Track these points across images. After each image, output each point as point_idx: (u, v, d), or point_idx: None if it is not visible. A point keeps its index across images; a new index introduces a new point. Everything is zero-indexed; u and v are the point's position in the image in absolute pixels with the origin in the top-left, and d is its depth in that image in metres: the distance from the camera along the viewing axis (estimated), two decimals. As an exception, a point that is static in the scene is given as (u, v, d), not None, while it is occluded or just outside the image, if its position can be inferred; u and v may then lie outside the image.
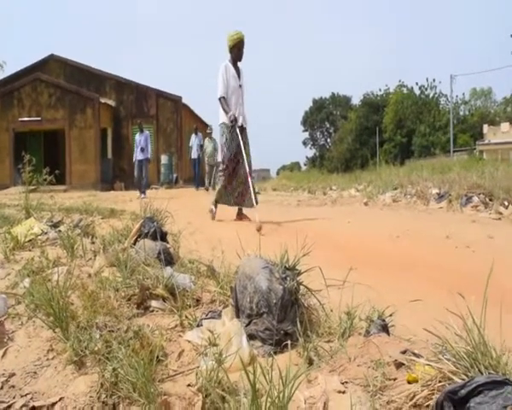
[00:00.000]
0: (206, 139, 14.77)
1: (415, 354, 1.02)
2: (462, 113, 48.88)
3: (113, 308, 1.62)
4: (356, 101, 54.65)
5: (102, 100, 20.19)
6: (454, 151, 34.77)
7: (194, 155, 15.16)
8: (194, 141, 15.12)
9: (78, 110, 19.42)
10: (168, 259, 2.32)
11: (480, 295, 1.17)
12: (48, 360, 1.42)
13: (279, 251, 1.71)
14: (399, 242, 3.48)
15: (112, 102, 21.23)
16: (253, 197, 5.18)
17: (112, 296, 1.73)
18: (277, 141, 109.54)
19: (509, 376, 0.82)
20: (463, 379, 0.83)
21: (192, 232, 4.33)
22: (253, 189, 5.30)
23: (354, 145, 47.82)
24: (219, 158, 5.70)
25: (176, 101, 22.02)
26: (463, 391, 0.79)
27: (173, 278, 1.87)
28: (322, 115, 59.49)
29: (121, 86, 21.65)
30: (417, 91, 47.02)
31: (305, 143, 62.83)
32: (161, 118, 21.37)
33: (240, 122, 5.36)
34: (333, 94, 60.40)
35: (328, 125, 60.57)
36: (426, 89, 46.77)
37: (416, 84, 47.19)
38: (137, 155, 12.38)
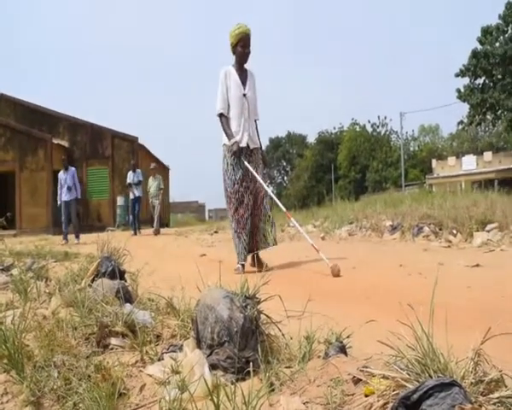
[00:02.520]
0: (150, 178, 13.54)
1: (371, 369, 1.06)
2: (412, 149, 51.13)
3: (72, 347, 1.59)
4: (311, 139, 56.30)
5: (55, 141, 19.81)
6: (405, 185, 36.09)
7: (131, 194, 13.51)
8: (132, 179, 13.41)
9: (29, 151, 18.91)
10: (127, 297, 2.29)
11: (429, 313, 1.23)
12: (2, 403, 1.37)
13: (239, 282, 1.74)
14: (356, 272, 3.57)
15: (65, 143, 20.88)
16: (273, 231, 4.34)
17: (69, 335, 1.70)
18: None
19: (456, 378, 0.88)
20: (415, 385, 0.88)
21: (150, 273, 4.28)
22: (272, 220, 4.38)
23: (310, 182, 48.84)
24: (226, 188, 4.30)
25: (132, 141, 21.95)
26: (415, 396, 0.84)
27: (133, 314, 1.86)
28: (279, 154, 60.73)
29: (75, 127, 21.36)
30: (369, 129, 48.96)
31: (262, 183, 63.51)
32: (117, 159, 21.16)
33: (244, 142, 4.25)
34: (289, 133, 61.97)
35: (284, 164, 61.81)
36: (377, 126, 48.79)
37: (369, 121, 49.22)
38: (63, 196, 10.81)
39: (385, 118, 48.67)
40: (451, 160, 40.69)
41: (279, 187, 61.30)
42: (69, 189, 10.78)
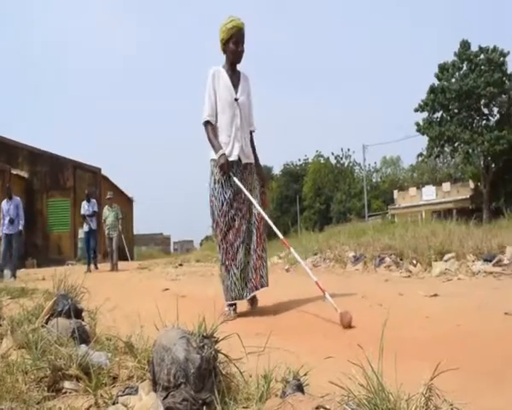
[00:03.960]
0: (106, 207, 12.60)
1: (326, 408, 1.06)
2: (374, 180, 52.49)
3: (22, 392, 1.52)
4: (276, 171, 56.87)
5: (14, 171, 19.30)
6: (369, 216, 36.83)
7: (85, 226, 12.51)
8: (86, 209, 12.34)
9: (-14, 183, 18.37)
10: (83, 337, 2.22)
11: (387, 347, 1.25)
12: None
13: (197, 320, 1.72)
14: (318, 305, 3.58)
15: (25, 174, 20.36)
16: (265, 270, 3.55)
17: (20, 380, 1.63)
18: (200, 210, 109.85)
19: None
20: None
21: (111, 309, 4.17)
22: (265, 254, 3.59)
23: (276, 213, 49.19)
24: (212, 209, 3.57)
25: (94, 172, 21.62)
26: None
27: (88, 356, 1.80)
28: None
29: (35, 157, 20.88)
30: (333, 161, 50.01)
31: (227, 213, 63.54)
32: (79, 190, 20.72)
33: (235, 155, 3.55)
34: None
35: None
36: (341, 158, 49.92)
37: (332, 154, 50.32)
38: (4, 228, 9.71)
39: (348, 150, 49.98)
40: (412, 190, 41.96)
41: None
42: (11, 221, 9.72)
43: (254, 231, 3.54)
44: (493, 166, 35.69)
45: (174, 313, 2.14)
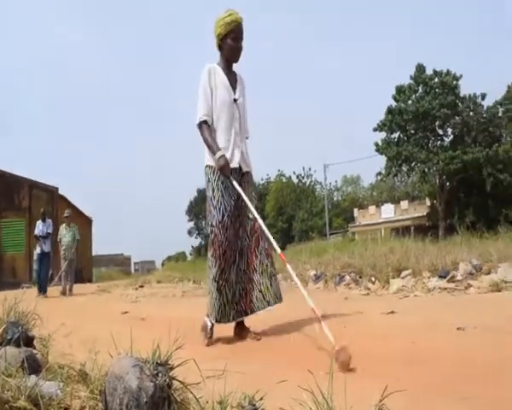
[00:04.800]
0: (63, 226, 11.64)
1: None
2: (335, 198, 53.41)
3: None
4: (239, 190, 56.79)
5: (-34, 192, 18.58)
6: (330, 234, 37.35)
7: (38, 248, 11.48)
8: (40, 230, 11.32)
9: None
10: (34, 366, 2.13)
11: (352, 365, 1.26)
12: None
13: (155, 346, 1.68)
14: (277, 326, 3.58)
15: (-23, 194, 19.63)
16: (273, 285, 3.19)
17: (-38, 416, 1.55)
18: (162, 231, 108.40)
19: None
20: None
21: (66, 334, 4.04)
22: (271, 270, 3.21)
23: (239, 232, 49.05)
24: (211, 221, 3.18)
25: (52, 192, 21.04)
26: None
27: (38, 386, 1.73)
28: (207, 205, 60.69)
29: (-12, 176, 20.15)
30: (295, 180, 50.59)
31: (190, 233, 63.11)
32: (35, 210, 20.01)
33: (236, 162, 3.21)
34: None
35: (213, 215, 61.70)
36: (303, 177, 50.56)
37: (294, 173, 50.89)
38: None
39: (309, 169, 50.69)
40: (372, 208, 42.94)
41: (207, 238, 60.97)
42: None
43: (245, 250, 3.21)
44: (448, 184, 37.02)
45: (132, 337, 2.09)
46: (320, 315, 2.60)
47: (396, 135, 38.02)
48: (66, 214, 11.84)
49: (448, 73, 36.27)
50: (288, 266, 3.16)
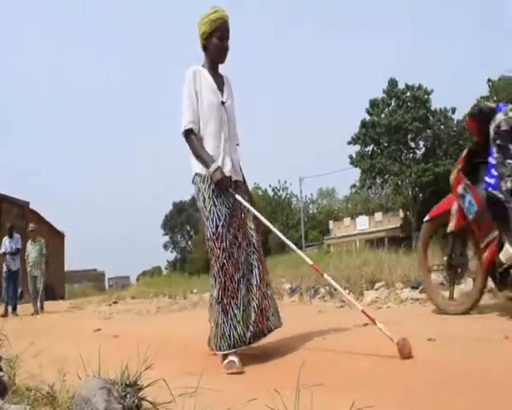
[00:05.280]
0: (29, 242, 11.01)
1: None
2: (311, 211, 53.78)
3: None
4: (215, 202, 56.60)
5: None
6: (306, 246, 37.53)
7: (4, 266, 10.73)
8: (8, 246, 10.64)
9: None
10: (0, 389, 2.08)
11: (311, 380, 1.27)
12: None
13: (124, 366, 1.66)
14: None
15: None
16: (273, 309, 2.94)
17: None
18: (137, 246, 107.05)
19: None
20: None
21: (35, 354, 3.94)
22: (270, 290, 2.98)
23: (215, 246, 48.87)
24: (206, 234, 2.90)
25: (22, 206, 20.59)
26: None
27: (2, 410, 1.68)
28: (183, 218, 60.37)
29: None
30: (271, 193, 50.80)
31: (165, 247, 62.57)
32: (5, 225, 19.56)
33: (227, 171, 2.93)
34: (193, 197, 61.82)
35: (188, 228, 61.45)
36: (278, 190, 50.82)
37: (270, 186, 51.11)
38: None
39: (285, 182, 51.03)
40: (347, 220, 43.43)
41: (183, 252, 60.54)
42: None
43: (255, 262, 2.91)
44: (421, 196, 37.75)
45: (103, 356, 2.05)
46: (372, 316, 2.66)
47: (370, 148, 38.74)
48: (31, 228, 11.23)
49: (420, 87, 37.22)
50: (327, 276, 2.91)
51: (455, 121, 38.25)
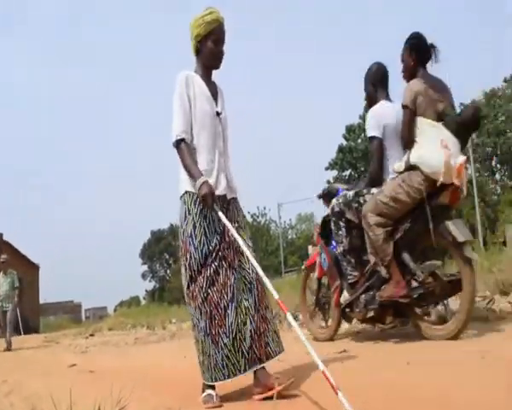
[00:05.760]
0: (0, 275, 10.58)
1: None
2: (290, 236, 53.86)
3: None
4: (194, 230, 56.17)
5: None
6: (285, 272, 37.44)
7: None
8: None
9: None
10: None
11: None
12: None
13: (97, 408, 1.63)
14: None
15: None
16: (272, 334, 2.66)
17: None
18: (115, 276, 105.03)
19: None
20: None
21: (7, 393, 3.84)
22: (270, 313, 2.72)
23: (194, 274, 48.38)
24: (189, 263, 2.62)
25: (-5, 238, 20.17)
26: None
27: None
28: (161, 247, 59.74)
29: None
30: (250, 219, 50.80)
31: (144, 276, 61.66)
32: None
33: (221, 189, 2.69)
34: (171, 225, 61.59)
35: (167, 257, 60.81)
36: (257, 216, 50.88)
37: (249, 212, 51.08)
38: None
39: (264, 208, 51.13)
40: (325, 245, 43.53)
41: (161, 281, 59.75)
42: None
43: (254, 282, 2.64)
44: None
45: (76, 394, 2.00)
46: (334, 384, 1.99)
47: (347, 173, 39.34)
48: (2, 260, 10.69)
49: (394, 112, 38.10)
50: (289, 315, 2.44)
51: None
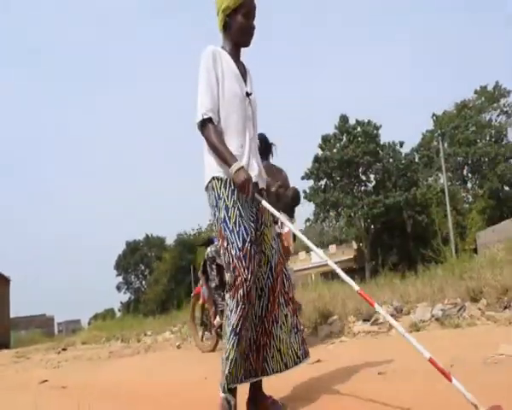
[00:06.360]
0: None
1: None
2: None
3: None
4: (170, 241, 55.91)
5: None
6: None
7: None
8: None
9: None
10: None
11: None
12: None
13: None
14: (209, 384, 3.50)
15: None
16: (298, 338, 2.48)
17: None
18: (89, 288, 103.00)
19: None
20: None
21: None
22: (295, 321, 2.49)
23: (170, 285, 47.95)
24: (228, 251, 2.34)
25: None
26: None
27: None
28: (137, 258, 59.06)
29: None
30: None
31: (119, 288, 60.77)
32: None
33: (254, 177, 2.45)
34: (147, 236, 60.95)
35: (142, 268, 60.10)
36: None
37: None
38: None
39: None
40: (302, 254, 43.80)
41: (137, 292, 58.96)
42: None
43: (266, 289, 2.44)
44: (372, 227, 38.77)
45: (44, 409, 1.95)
46: (447, 372, 1.97)
47: (323, 182, 39.72)
48: None
49: (369, 122, 38.79)
50: (377, 306, 2.33)
51: (403, 154, 39.93)
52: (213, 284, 5.20)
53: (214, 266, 5.16)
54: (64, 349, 11.44)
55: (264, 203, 2.42)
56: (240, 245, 2.28)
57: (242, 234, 2.30)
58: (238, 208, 2.34)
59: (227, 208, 2.34)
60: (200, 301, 5.63)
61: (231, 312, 2.29)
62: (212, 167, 2.42)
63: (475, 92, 43.15)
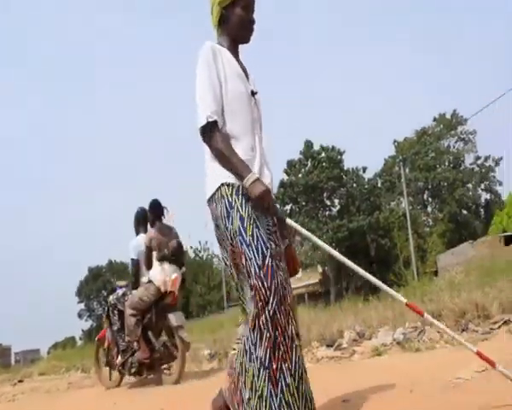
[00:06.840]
0: None
1: None
2: (233, 270, 53.46)
3: None
4: (133, 267, 54.62)
5: None
6: (229, 306, 37.09)
7: None
8: None
9: None
10: None
11: None
12: None
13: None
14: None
15: None
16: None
17: None
18: (48, 316, 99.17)
19: None
20: None
21: None
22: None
23: (134, 311, 46.76)
24: (247, 268, 2.02)
25: None
26: None
27: None
28: (99, 284, 57.52)
29: None
30: (192, 254, 50.09)
31: (80, 315, 58.92)
32: None
33: (268, 185, 2.18)
34: (110, 261, 59.59)
35: (105, 294, 58.49)
36: (200, 251, 50.25)
37: (191, 247, 50.40)
38: None
39: (206, 243, 50.65)
40: (268, 278, 43.62)
41: (99, 319, 57.25)
42: None
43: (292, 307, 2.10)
44: (337, 251, 39.13)
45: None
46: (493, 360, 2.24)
47: (288, 207, 40.07)
48: None
49: (333, 148, 39.63)
50: (427, 315, 2.32)
51: (366, 179, 40.89)
52: (115, 328, 5.82)
53: (116, 312, 5.82)
54: (20, 381, 10.94)
55: (289, 221, 2.24)
56: (260, 262, 1.98)
57: (262, 248, 2.00)
58: (254, 219, 2.05)
59: (242, 219, 2.04)
60: (106, 344, 6.10)
61: (254, 345, 1.96)
62: (219, 173, 2.13)
63: (434, 119, 44.90)
